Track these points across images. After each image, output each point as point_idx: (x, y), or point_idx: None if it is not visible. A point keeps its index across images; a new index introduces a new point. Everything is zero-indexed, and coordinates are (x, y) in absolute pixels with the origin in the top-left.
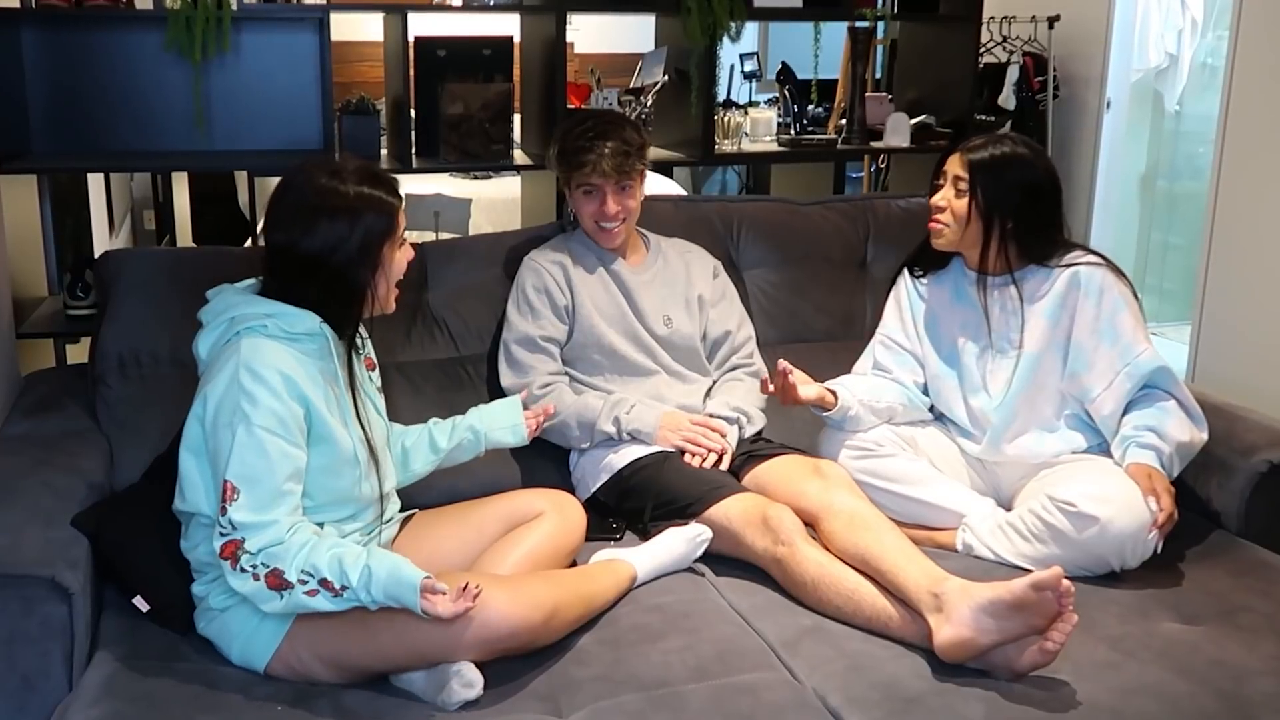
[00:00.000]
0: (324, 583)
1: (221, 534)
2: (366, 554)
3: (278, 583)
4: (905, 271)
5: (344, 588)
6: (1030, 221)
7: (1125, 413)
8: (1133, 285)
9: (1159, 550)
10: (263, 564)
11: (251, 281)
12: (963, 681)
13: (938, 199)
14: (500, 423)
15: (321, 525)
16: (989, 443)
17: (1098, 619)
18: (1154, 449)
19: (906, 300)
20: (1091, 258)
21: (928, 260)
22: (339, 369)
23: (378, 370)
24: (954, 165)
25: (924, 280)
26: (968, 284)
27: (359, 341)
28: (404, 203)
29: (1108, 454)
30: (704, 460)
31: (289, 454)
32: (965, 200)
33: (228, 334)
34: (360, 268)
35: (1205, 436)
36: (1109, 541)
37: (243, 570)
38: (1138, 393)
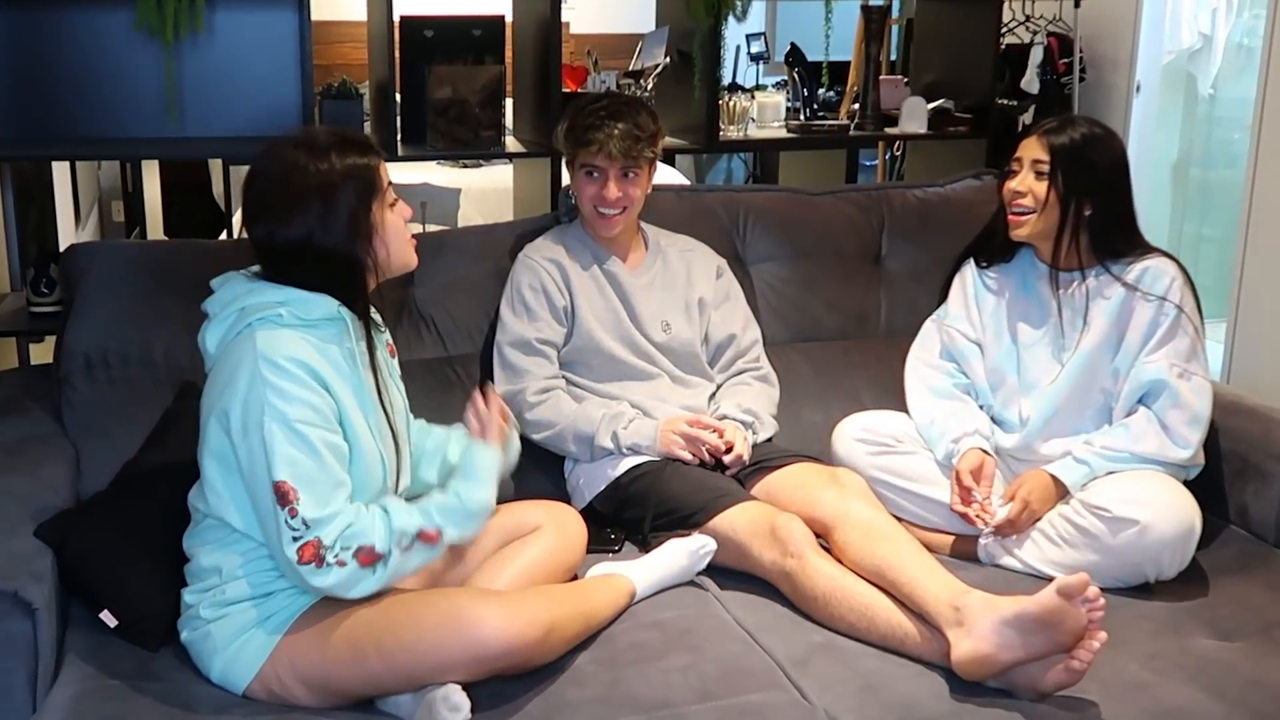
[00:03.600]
0: (422, 535)
1: (295, 538)
2: (430, 496)
3: (370, 558)
4: (970, 261)
5: (439, 529)
6: (1108, 207)
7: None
8: (1197, 297)
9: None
10: (343, 547)
11: (258, 267)
12: (983, 702)
13: (1016, 184)
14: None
15: None
16: (1023, 439)
17: (1128, 635)
18: (1085, 463)
19: (973, 290)
20: (1164, 259)
21: (994, 250)
22: (358, 351)
23: (397, 359)
24: (1031, 149)
25: (990, 272)
26: (1036, 277)
27: (376, 320)
28: (381, 157)
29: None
30: (708, 453)
31: (332, 443)
32: (1045, 184)
33: (238, 326)
34: (351, 242)
35: (1185, 455)
36: (1147, 548)
37: (328, 565)
38: (1137, 399)
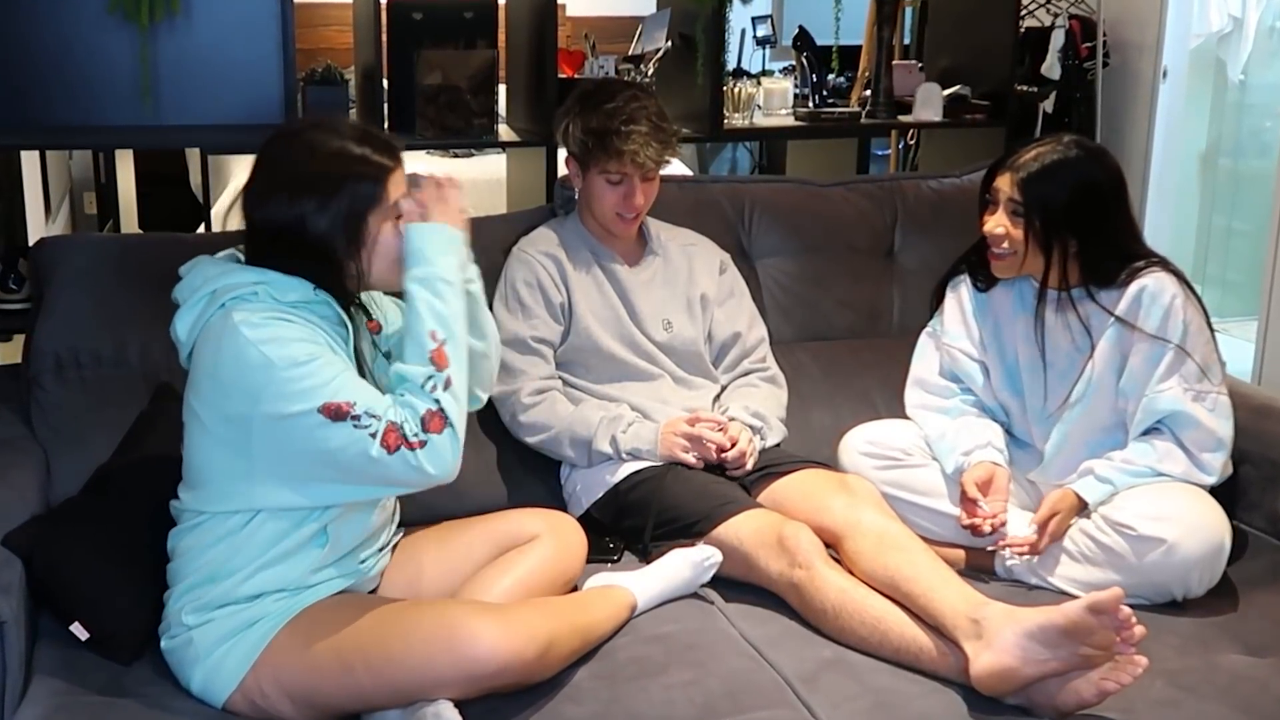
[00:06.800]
0: (435, 357)
1: (373, 434)
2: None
3: (439, 421)
4: (965, 277)
5: (445, 340)
6: (1097, 238)
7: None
8: (1202, 303)
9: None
10: (412, 434)
11: (230, 251)
12: None
13: (993, 227)
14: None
15: (325, 536)
16: (1039, 472)
17: (1154, 650)
18: (1108, 481)
19: (970, 307)
20: (1161, 273)
21: (988, 273)
22: (335, 338)
23: (382, 333)
24: (1005, 185)
25: (986, 290)
26: (1033, 296)
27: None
28: (400, 164)
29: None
30: (713, 454)
31: (345, 363)
32: (1021, 228)
33: (210, 310)
34: (340, 242)
35: (1210, 480)
36: (1174, 567)
37: (414, 443)
38: (1150, 424)
